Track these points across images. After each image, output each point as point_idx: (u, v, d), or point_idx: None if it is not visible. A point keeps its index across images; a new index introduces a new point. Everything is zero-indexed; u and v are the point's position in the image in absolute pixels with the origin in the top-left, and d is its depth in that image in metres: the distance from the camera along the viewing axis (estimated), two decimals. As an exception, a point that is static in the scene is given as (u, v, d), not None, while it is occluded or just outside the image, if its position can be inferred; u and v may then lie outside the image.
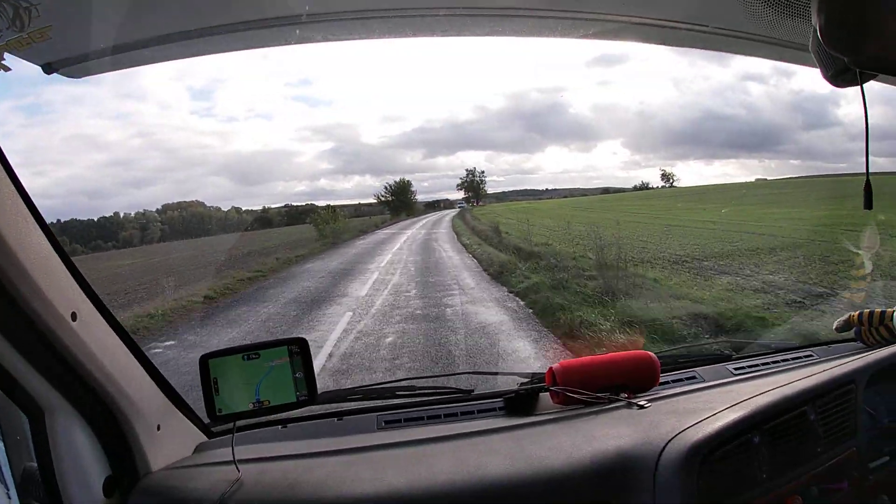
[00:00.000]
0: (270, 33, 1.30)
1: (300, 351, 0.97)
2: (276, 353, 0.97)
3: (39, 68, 1.14)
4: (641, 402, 1.10)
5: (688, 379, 1.30)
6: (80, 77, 1.20)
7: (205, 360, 0.95)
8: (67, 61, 1.16)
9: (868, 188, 0.70)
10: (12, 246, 0.69)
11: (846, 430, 1.10)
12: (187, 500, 0.90)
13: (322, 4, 1.23)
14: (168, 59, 1.34)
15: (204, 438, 1.14)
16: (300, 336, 1.00)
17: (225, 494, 0.88)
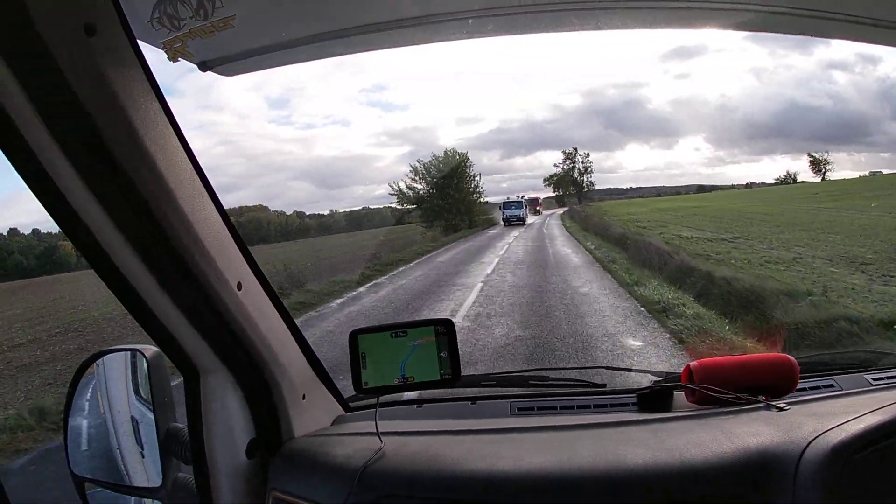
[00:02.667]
0: (378, 36, 1.36)
1: (446, 332, 0.98)
2: (422, 333, 0.98)
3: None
4: (780, 405, 1.06)
5: (825, 386, 1.23)
6: (230, 75, 1.30)
7: (354, 336, 0.98)
8: (221, 60, 1.26)
9: None
10: (189, 217, 0.74)
11: None
12: (330, 466, 0.92)
13: (421, 7, 1.29)
14: (301, 61, 1.43)
15: (342, 412, 1.17)
16: (447, 318, 1.01)
17: (369, 462, 0.89)
